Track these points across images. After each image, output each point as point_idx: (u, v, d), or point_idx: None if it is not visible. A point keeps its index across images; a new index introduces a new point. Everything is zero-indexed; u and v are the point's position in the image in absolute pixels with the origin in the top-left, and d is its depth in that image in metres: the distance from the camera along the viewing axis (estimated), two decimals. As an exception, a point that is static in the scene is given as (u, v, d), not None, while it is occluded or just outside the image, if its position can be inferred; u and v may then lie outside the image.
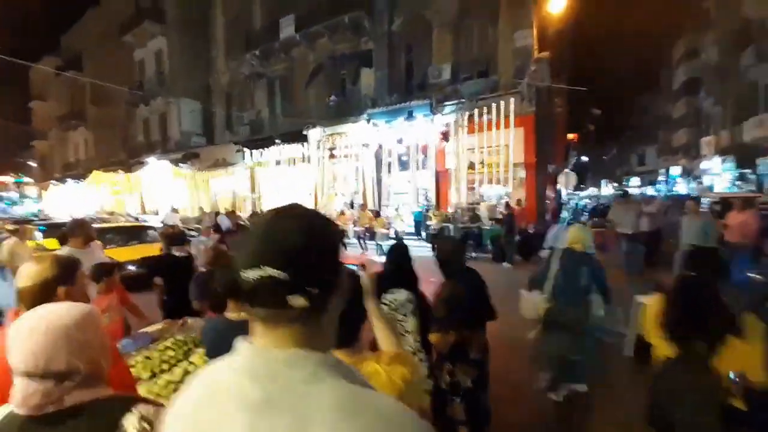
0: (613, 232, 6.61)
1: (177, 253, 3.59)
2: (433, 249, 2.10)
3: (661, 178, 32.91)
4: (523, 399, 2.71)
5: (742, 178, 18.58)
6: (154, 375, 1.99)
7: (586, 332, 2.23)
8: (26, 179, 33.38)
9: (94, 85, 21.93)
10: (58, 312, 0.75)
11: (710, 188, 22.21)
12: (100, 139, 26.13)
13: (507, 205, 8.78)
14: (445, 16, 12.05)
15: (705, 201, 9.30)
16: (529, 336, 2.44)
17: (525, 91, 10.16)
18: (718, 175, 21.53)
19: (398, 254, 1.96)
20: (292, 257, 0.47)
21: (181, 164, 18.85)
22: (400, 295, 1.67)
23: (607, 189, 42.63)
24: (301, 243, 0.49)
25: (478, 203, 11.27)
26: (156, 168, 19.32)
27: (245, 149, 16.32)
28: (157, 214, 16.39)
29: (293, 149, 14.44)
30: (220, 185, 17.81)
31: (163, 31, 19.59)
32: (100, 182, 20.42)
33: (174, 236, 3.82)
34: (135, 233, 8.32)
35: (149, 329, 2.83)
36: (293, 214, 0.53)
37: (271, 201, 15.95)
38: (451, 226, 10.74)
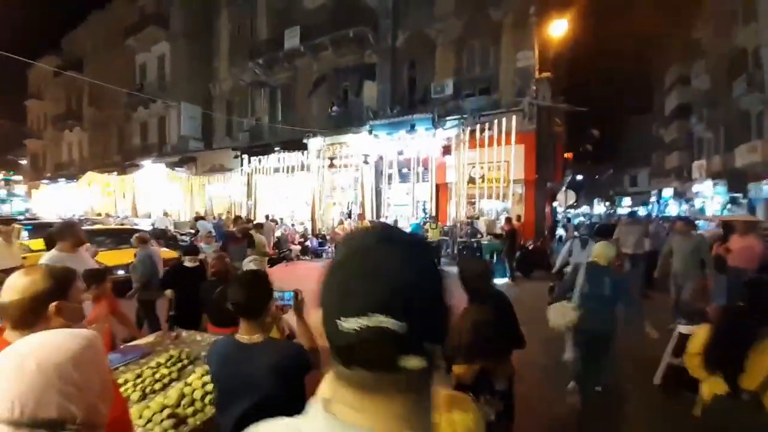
0: (618, 251, 6.51)
1: (189, 264, 3.38)
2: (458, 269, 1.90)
3: (652, 199, 33.44)
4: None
5: (733, 201, 18.90)
6: (144, 396, 1.81)
7: (610, 338, 2.70)
8: (15, 177, 32.70)
9: (92, 86, 21.81)
10: (51, 344, 0.60)
11: (702, 210, 22.60)
12: (95, 141, 25.84)
13: (509, 220, 8.72)
14: (448, 35, 12.25)
15: (702, 224, 9.35)
16: (564, 357, 2.64)
17: (527, 110, 10.27)
18: (710, 198, 21.93)
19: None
20: (408, 301, 0.34)
21: (177, 168, 18.65)
22: None
23: (599, 207, 43.17)
24: (416, 281, 0.36)
25: (477, 217, 11.22)
26: (151, 171, 19.09)
27: (244, 155, 16.20)
28: (149, 217, 16.09)
29: (292, 157, 14.35)
30: (215, 190, 17.61)
31: (167, 36, 19.69)
32: (92, 183, 20.08)
33: (187, 247, 3.63)
34: (126, 237, 8.05)
35: (140, 342, 2.64)
36: (399, 240, 0.40)
37: (266, 208, 15.78)
38: (449, 240, 10.66)
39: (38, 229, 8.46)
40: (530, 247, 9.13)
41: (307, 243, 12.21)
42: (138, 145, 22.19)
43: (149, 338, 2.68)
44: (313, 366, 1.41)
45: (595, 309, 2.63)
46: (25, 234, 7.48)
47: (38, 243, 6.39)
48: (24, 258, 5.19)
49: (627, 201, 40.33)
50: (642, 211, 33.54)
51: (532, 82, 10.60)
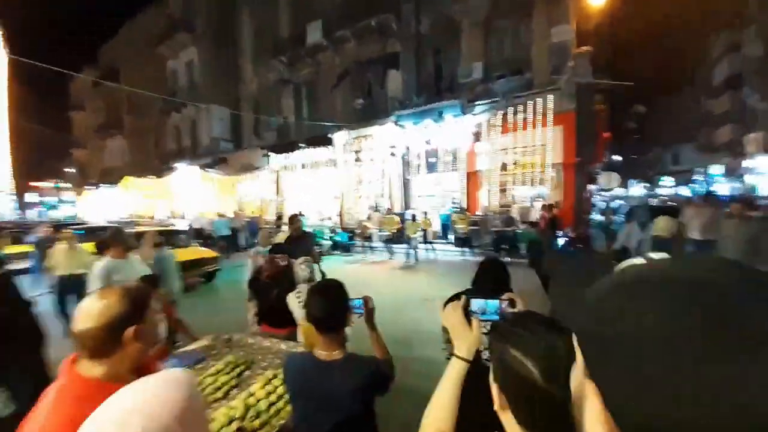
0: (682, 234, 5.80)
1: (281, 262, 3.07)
2: (536, 270, 1.73)
3: (698, 177, 30.98)
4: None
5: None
6: (208, 405, 1.76)
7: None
8: (64, 185, 35.21)
9: (129, 95, 22.90)
10: (157, 399, 0.50)
11: (754, 189, 20.64)
12: (134, 147, 27.21)
13: (549, 207, 8.27)
14: (475, 15, 11.67)
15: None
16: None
17: (564, 88, 9.63)
18: (765, 174, 19.99)
19: (495, 270, 1.68)
20: None
21: (209, 169, 19.29)
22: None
23: (637, 189, 40.65)
24: None
25: (510, 206, 10.78)
26: (185, 173, 19.87)
27: (271, 153, 16.46)
28: (184, 218, 16.76)
29: (319, 153, 14.39)
30: (246, 189, 18.07)
31: (193, 41, 20.20)
32: (131, 188, 21.22)
33: (275, 247, 3.15)
34: (169, 237, 8.35)
35: (194, 346, 2.64)
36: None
37: (294, 204, 16.01)
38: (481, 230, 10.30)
39: (88, 233, 9.01)
40: (572, 236, 8.64)
41: (337, 238, 12.27)
42: (173, 149, 23.10)
43: (203, 341, 2.67)
44: (392, 378, 1.29)
45: None
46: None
47: (89, 246, 6.78)
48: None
49: (669, 180, 37.71)
50: (685, 191, 31.23)
51: (569, 59, 9.90)
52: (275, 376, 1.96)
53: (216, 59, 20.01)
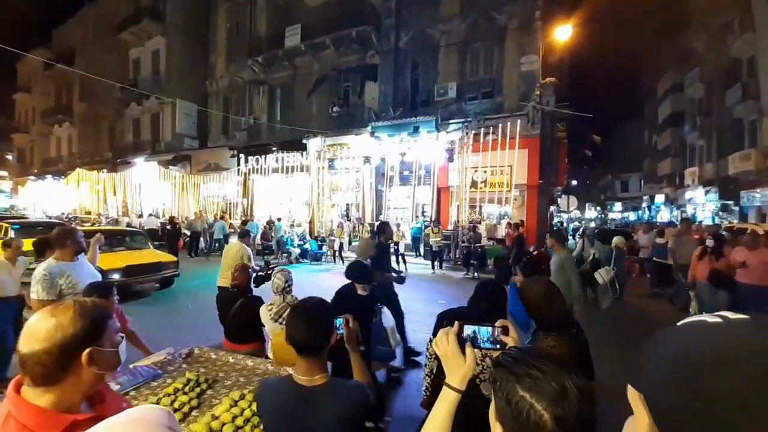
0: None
1: (361, 292, 2.53)
2: (520, 291, 1.68)
3: (643, 204, 33.93)
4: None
5: (725, 209, 19.23)
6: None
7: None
8: (1, 173, 31.69)
9: (83, 80, 21.26)
10: None
11: (693, 217, 22.94)
12: (85, 137, 25.18)
13: (517, 225, 8.63)
14: (452, 37, 12.17)
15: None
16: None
17: (531, 114, 10.21)
18: (701, 205, 22.28)
19: (493, 294, 1.70)
20: None
21: (171, 166, 18.25)
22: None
23: (591, 212, 43.71)
24: None
25: (479, 222, 11.12)
26: (143, 169, 18.65)
27: (240, 155, 15.89)
28: (140, 216, 15.67)
29: (291, 158, 14.10)
30: (210, 190, 17.26)
31: (162, 31, 19.26)
32: (81, 180, 19.54)
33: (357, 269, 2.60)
34: (121, 238, 7.71)
35: (149, 361, 2.42)
36: None
37: (263, 208, 15.51)
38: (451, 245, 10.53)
39: (26, 228, 8.10)
40: (535, 253, 9.05)
41: (306, 246, 11.99)
42: (130, 142, 21.67)
43: (160, 355, 2.46)
44: (373, 404, 1.24)
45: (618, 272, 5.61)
46: (12, 234, 7.12)
47: (26, 243, 6.09)
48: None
49: (618, 206, 40.95)
50: (632, 217, 34.18)
51: (536, 87, 10.56)
52: (242, 397, 1.83)
53: (185, 52, 19.19)
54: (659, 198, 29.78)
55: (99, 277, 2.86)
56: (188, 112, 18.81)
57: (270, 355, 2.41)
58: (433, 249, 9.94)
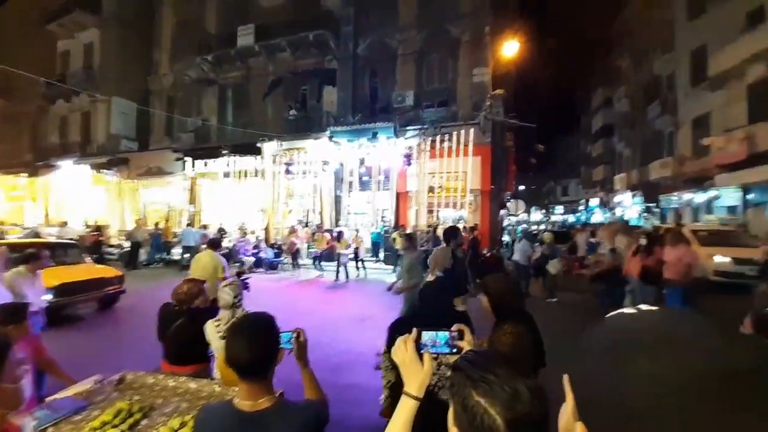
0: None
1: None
2: (483, 286, 1.72)
3: (581, 207, 37.22)
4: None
5: (648, 210, 21.68)
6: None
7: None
8: None
9: (1, 73, 18.60)
10: None
11: (621, 218, 25.60)
12: (1, 137, 22.10)
13: (472, 229, 8.97)
14: (409, 46, 12.48)
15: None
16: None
17: (482, 123, 10.74)
18: (629, 207, 24.95)
19: (443, 295, 1.68)
20: None
21: (104, 170, 16.55)
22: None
23: (536, 215, 47.06)
24: None
25: (436, 226, 11.40)
26: (71, 173, 16.71)
27: (187, 158, 14.85)
28: (65, 225, 13.97)
29: (245, 162, 13.46)
30: (151, 196, 15.91)
31: (97, 22, 17.56)
32: (-6, 186, 17.05)
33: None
34: (49, 251, 6.65)
35: (71, 391, 2.11)
36: None
37: (212, 215, 14.60)
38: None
39: None
40: (488, 255, 9.46)
41: (262, 254, 11.46)
42: (56, 144, 19.41)
43: (85, 384, 2.15)
44: (327, 422, 1.16)
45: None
46: None
47: None
48: None
49: (560, 209, 44.48)
50: (572, 219, 37.37)
51: (487, 98, 11.15)
52: (183, 425, 1.65)
53: (123, 46, 17.63)
54: (594, 201, 32.83)
55: (8, 298, 2.46)
56: (126, 111, 17.25)
57: (217, 375, 2.22)
58: (398, 253, 10.01)
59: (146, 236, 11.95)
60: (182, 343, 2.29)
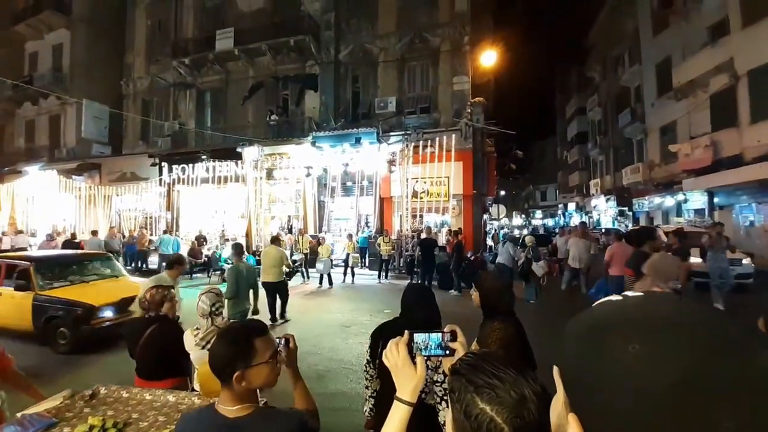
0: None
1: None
2: (477, 282, 1.71)
3: (559, 212, 38.44)
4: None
5: (621, 214, 22.59)
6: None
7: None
8: None
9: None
10: None
11: (598, 222, 26.59)
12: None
13: (456, 233, 9.06)
14: (390, 53, 12.61)
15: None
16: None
17: (464, 130, 10.94)
18: (604, 211, 25.93)
19: (427, 299, 1.64)
20: None
21: (75, 176, 15.81)
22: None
23: (517, 219, 48.20)
24: None
25: (420, 231, 11.47)
26: (39, 179, 15.87)
27: (163, 163, 14.39)
28: (34, 235, 13.21)
29: (224, 167, 13.16)
30: (126, 203, 15.30)
31: (67, 23, 16.91)
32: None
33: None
34: (87, 264, 6.05)
35: (41, 407, 1.98)
36: None
37: (190, 222, 14.17)
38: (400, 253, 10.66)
39: None
40: (472, 258, 9.57)
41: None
42: (21, 148, 18.43)
43: (55, 400, 2.02)
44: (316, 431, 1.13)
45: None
46: None
47: None
48: None
49: (539, 213, 45.75)
50: (551, 223, 38.50)
51: (467, 105, 11.38)
52: (160, 440, 1.58)
53: (95, 48, 17.04)
54: (571, 206, 33.96)
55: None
56: (98, 115, 16.59)
57: (196, 386, 2.13)
58: (383, 258, 9.99)
59: (119, 245, 11.45)
60: (155, 356, 2.19)
